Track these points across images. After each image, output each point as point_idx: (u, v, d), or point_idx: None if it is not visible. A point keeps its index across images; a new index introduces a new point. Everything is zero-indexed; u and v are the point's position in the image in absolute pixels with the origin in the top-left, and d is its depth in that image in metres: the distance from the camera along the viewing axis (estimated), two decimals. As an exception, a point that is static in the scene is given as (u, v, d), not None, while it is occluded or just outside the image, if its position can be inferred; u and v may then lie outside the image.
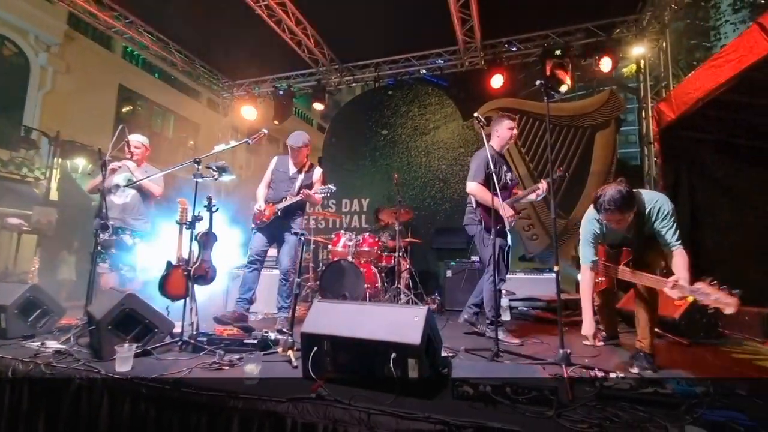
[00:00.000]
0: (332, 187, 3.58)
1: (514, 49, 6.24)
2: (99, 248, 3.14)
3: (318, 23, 6.08)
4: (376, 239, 5.06)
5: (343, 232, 5.12)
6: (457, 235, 6.09)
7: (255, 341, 2.57)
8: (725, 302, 1.90)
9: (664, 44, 5.66)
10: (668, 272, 2.32)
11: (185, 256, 3.08)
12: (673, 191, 4.64)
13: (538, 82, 2.77)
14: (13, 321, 2.78)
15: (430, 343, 1.86)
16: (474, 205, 3.33)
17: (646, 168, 5.82)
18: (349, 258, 4.64)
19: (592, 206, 2.46)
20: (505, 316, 4.19)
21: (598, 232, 2.58)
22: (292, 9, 5.66)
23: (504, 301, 4.19)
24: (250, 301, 3.61)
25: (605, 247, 2.79)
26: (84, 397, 1.99)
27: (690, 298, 2.10)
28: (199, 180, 2.95)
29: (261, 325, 3.62)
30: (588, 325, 2.53)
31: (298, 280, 2.76)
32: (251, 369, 1.94)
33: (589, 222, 2.61)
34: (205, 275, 3.17)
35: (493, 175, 2.86)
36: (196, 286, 2.95)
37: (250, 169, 13.81)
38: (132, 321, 2.43)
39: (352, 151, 7.47)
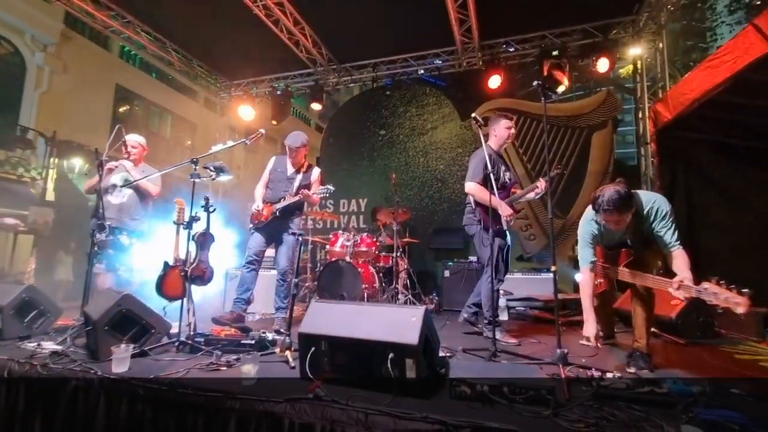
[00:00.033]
0: (331, 188, 3.57)
1: (511, 49, 6.26)
2: (96, 249, 3.12)
3: (316, 23, 6.08)
4: (374, 239, 5.06)
5: (341, 232, 5.11)
6: (455, 235, 6.12)
7: (252, 342, 2.57)
8: (735, 302, 1.83)
9: (660, 45, 5.69)
10: (666, 272, 2.33)
11: (182, 256, 3.08)
12: (669, 191, 4.67)
13: (535, 83, 2.80)
14: (9, 322, 2.76)
15: (427, 343, 1.86)
16: (473, 205, 3.33)
17: (643, 168, 5.85)
18: (347, 258, 4.64)
19: (590, 207, 2.45)
20: (503, 316, 4.20)
21: (597, 232, 2.57)
22: (290, 9, 5.66)
23: (501, 301, 4.20)
24: (248, 302, 3.59)
25: (603, 249, 2.78)
26: (81, 397, 1.98)
27: (685, 297, 2.09)
28: (197, 180, 2.94)
29: (258, 326, 3.62)
30: (591, 327, 2.48)
31: (296, 280, 2.76)
32: (248, 369, 1.94)
33: (588, 223, 2.60)
34: (202, 276, 3.17)
35: (491, 174, 2.87)
36: (193, 287, 2.94)
37: (248, 169, 13.76)
38: (129, 321, 2.42)
39: (350, 151, 7.45)
